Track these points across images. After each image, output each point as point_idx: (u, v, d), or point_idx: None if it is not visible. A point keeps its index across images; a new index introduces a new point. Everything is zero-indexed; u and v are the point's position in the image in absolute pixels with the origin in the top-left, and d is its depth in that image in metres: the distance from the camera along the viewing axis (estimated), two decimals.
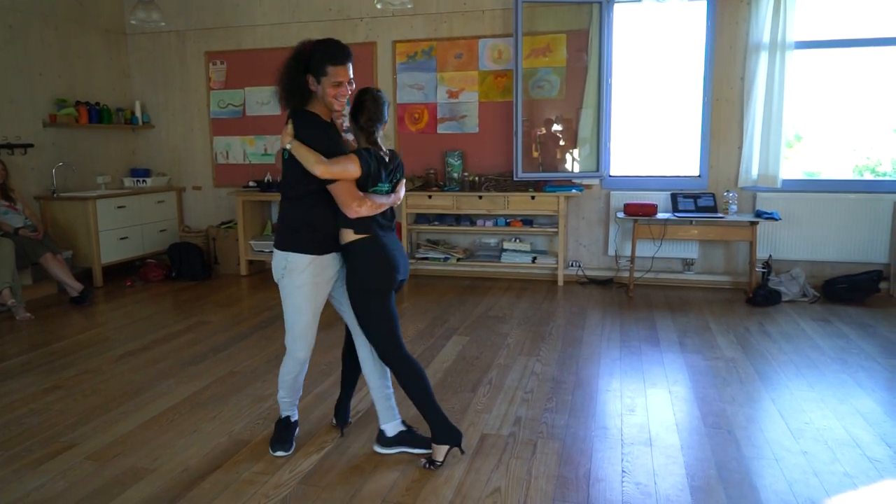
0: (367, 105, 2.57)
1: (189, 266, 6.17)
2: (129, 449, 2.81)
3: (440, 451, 2.62)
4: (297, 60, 2.48)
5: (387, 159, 2.59)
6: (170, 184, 6.88)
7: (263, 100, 6.52)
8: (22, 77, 5.69)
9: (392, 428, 2.73)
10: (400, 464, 2.65)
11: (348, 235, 2.56)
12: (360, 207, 2.48)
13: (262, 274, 6.43)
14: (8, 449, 2.81)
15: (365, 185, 2.53)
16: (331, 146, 2.48)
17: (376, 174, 2.54)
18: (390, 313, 2.59)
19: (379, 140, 2.59)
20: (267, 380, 3.58)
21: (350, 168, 2.46)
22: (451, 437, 2.61)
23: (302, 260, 2.54)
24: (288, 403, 2.82)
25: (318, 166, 2.41)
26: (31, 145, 5.78)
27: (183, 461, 2.70)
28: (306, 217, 2.54)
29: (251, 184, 6.37)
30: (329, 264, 2.60)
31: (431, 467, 2.61)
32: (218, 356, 3.99)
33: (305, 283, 2.57)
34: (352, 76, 2.52)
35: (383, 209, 2.58)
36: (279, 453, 2.74)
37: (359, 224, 2.53)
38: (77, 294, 5.23)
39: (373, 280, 2.57)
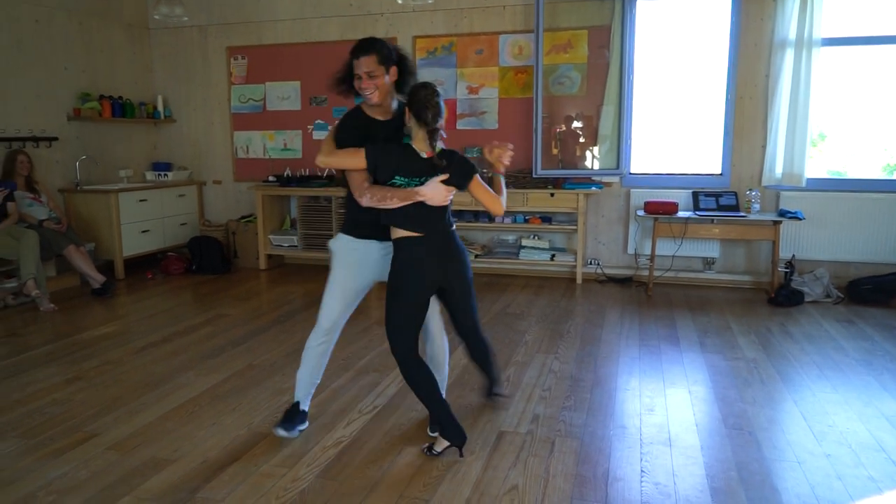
0: (409, 102, 2.57)
1: (209, 259, 6.22)
2: (150, 439, 2.84)
3: (441, 443, 2.67)
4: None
5: (423, 156, 2.54)
6: (191, 178, 6.94)
7: (284, 94, 6.55)
8: (47, 71, 5.76)
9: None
10: (418, 459, 2.65)
11: (393, 233, 2.62)
12: (361, 197, 2.55)
13: (280, 268, 6.47)
14: (31, 438, 2.86)
15: (376, 177, 2.56)
16: (345, 138, 2.58)
17: (388, 169, 2.53)
18: (409, 315, 2.62)
19: (418, 137, 2.54)
20: (286, 373, 3.60)
21: (348, 160, 2.54)
22: (455, 437, 2.64)
23: (341, 239, 2.76)
24: (304, 385, 2.85)
25: (318, 156, 2.60)
26: (56, 138, 5.86)
27: (202, 452, 2.72)
28: (349, 202, 2.72)
29: (271, 178, 6.40)
30: (363, 250, 2.70)
31: (429, 454, 2.67)
32: (237, 349, 4.02)
33: (339, 260, 2.75)
34: (368, 70, 2.54)
35: (397, 204, 2.53)
36: (279, 432, 2.79)
37: (392, 221, 2.59)
38: (99, 286, 5.30)
39: (393, 279, 2.61)
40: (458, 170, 2.59)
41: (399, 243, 2.60)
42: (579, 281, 5.73)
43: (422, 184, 2.54)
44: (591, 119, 5.74)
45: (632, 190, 5.72)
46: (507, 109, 5.96)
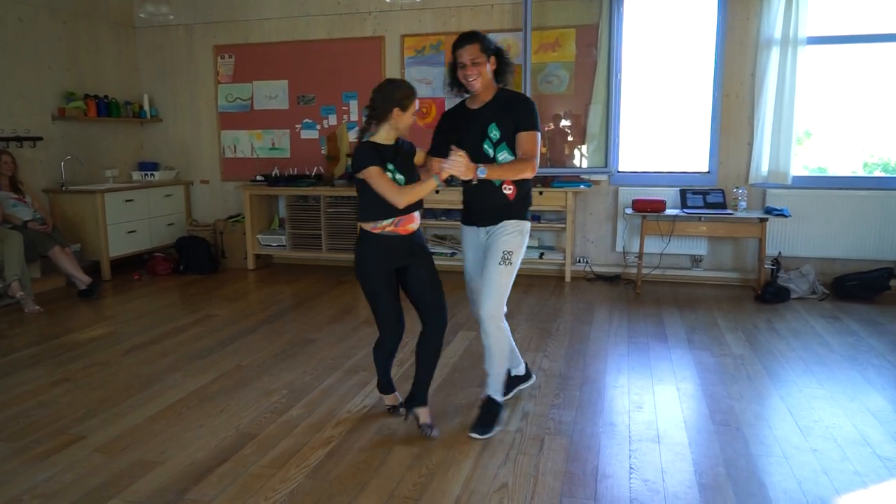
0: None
1: (196, 260, 6.18)
2: (137, 441, 2.82)
3: (423, 414, 2.87)
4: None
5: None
6: (177, 177, 6.90)
7: (271, 94, 6.52)
8: (31, 70, 5.70)
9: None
10: (408, 458, 2.65)
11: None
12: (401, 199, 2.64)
13: (269, 268, 6.45)
14: (16, 441, 2.83)
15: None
16: (435, 137, 2.94)
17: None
18: (375, 303, 2.82)
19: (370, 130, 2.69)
20: (273, 374, 3.59)
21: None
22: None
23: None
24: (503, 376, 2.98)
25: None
26: (41, 138, 5.80)
27: (191, 454, 2.70)
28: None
29: (259, 178, 6.37)
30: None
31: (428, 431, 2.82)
32: (225, 350, 4.00)
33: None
34: (472, 58, 2.72)
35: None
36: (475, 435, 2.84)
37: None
38: (85, 287, 5.25)
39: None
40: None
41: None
42: (568, 279, 5.75)
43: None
44: (580, 117, 5.76)
45: (620, 188, 5.74)
46: None
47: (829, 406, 3.11)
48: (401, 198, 2.61)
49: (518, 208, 2.85)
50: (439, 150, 2.79)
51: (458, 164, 2.57)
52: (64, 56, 6.01)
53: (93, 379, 3.53)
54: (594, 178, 5.78)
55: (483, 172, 2.63)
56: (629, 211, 5.41)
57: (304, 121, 6.47)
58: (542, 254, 5.80)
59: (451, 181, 2.67)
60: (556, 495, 2.37)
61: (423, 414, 2.87)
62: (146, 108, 6.77)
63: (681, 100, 5.79)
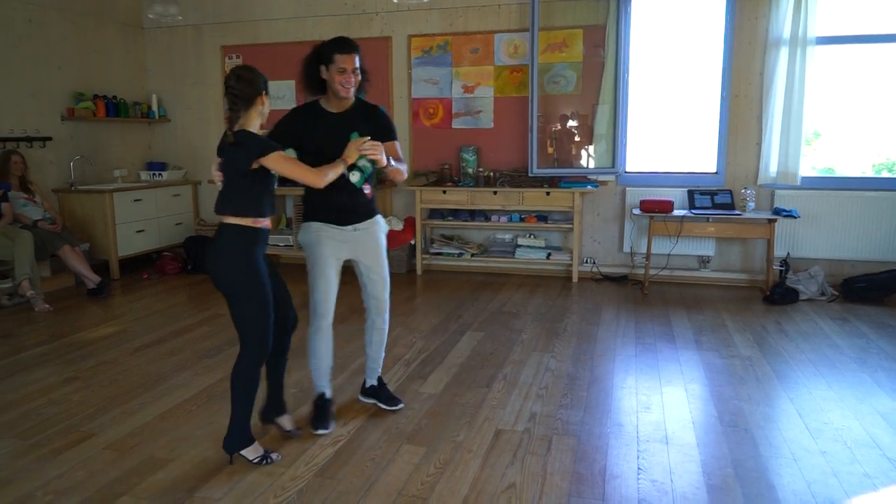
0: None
1: (204, 259, 6.16)
2: (147, 439, 2.84)
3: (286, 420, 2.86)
4: (314, 54, 2.85)
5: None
6: (185, 177, 6.92)
7: (279, 94, 6.53)
8: (41, 71, 5.74)
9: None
10: (415, 457, 2.65)
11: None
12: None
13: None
14: (27, 438, 2.85)
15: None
16: (281, 133, 2.87)
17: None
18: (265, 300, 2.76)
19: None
20: None
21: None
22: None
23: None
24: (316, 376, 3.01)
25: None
26: (50, 138, 5.83)
27: (200, 452, 2.71)
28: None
29: None
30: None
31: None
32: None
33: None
34: (356, 67, 2.78)
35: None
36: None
37: None
38: (94, 286, 5.28)
39: None
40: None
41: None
42: (575, 279, 5.75)
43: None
44: (587, 118, 5.76)
45: (627, 188, 5.74)
46: (502, 108, 5.97)
47: (838, 408, 3.10)
48: (320, 177, 2.59)
49: (373, 205, 2.99)
50: (283, 142, 2.72)
51: (378, 148, 2.64)
52: (73, 56, 6.05)
53: (102, 377, 3.55)
54: (601, 178, 5.78)
55: (390, 167, 2.75)
56: (637, 211, 5.40)
57: None
58: (549, 254, 5.80)
59: (350, 169, 2.70)
60: (564, 495, 2.37)
61: (287, 421, 2.89)
62: (154, 108, 6.80)
63: (689, 100, 5.79)
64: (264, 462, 2.61)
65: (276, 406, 2.86)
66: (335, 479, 2.51)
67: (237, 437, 2.60)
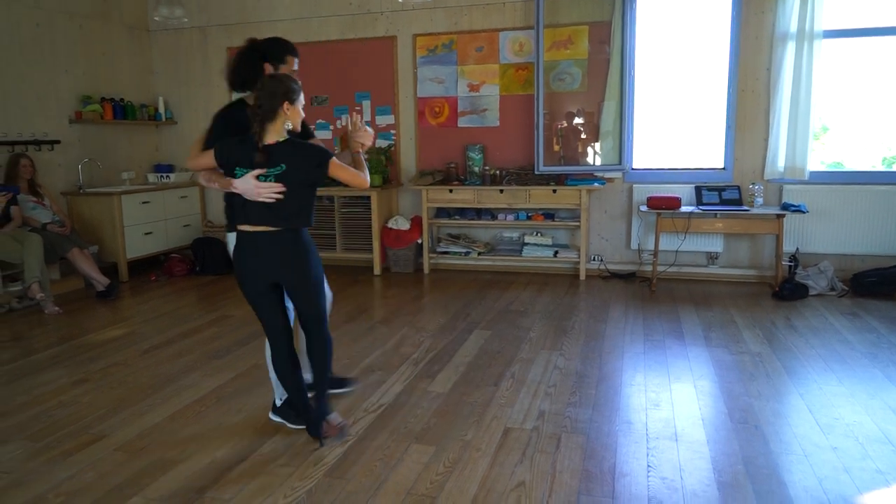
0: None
1: (212, 260, 6.23)
2: (157, 441, 2.85)
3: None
4: (255, 50, 2.80)
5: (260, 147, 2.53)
6: (192, 179, 6.94)
7: None
8: (48, 74, 5.77)
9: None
10: (424, 456, 2.65)
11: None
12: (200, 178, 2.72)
13: None
14: (38, 440, 2.86)
15: (225, 172, 2.62)
16: (221, 136, 2.69)
17: (231, 161, 2.57)
18: (260, 315, 2.72)
19: (262, 128, 2.53)
20: None
21: (205, 160, 2.66)
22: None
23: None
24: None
25: (187, 161, 2.77)
26: (58, 141, 5.87)
27: (210, 453, 2.72)
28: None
29: None
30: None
31: None
32: (242, 349, 4.03)
33: None
34: (297, 69, 2.86)
35: (217, 188, 2.66)
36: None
37: (234, 214, 2.67)
38: (103, 288, 5.31)
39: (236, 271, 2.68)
40: (302, 162, 2.51)
41: (237, 236, 2.65)
42: (583, 277, 5.73)
43: (264, 176, 2.53)
44: (593, 115, 5.74)
45: (634, 185, 5.71)
46: (508, 106, 5.96)
47: (849, 404, 3.07)
48: (367, 177, 2.69)
49: None
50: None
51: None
52: (80, 60, 6.08)
53: (112, 379, 3.57)
54: (608, 175, 5.76)
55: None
56: (644, 208, 5.38)
57: (318, 121, 6.49)
58: (556, 252, 5.78)
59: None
60: (574, 493, 2.37)
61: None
62: (161, 110, 6.83)
63: (695, 95, 5.76)
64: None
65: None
66: (344, 478, 2.51)
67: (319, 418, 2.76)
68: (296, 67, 2.87)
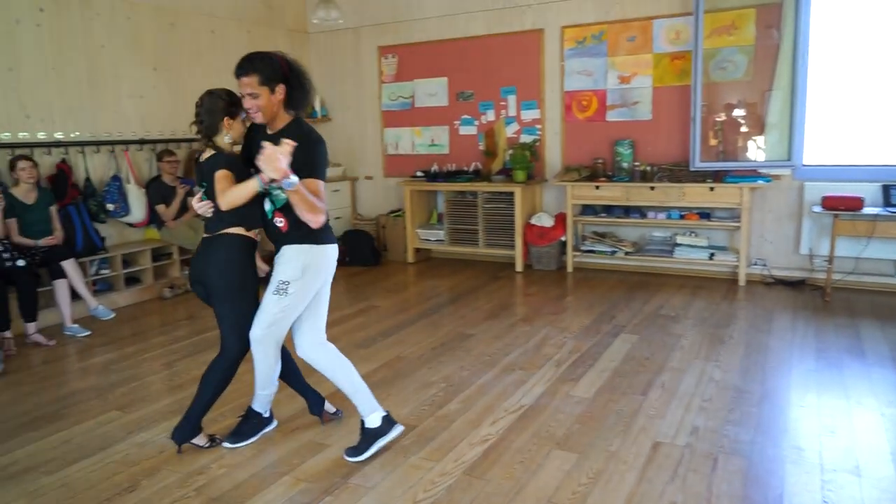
0: None
1: (360, 252, 6.48)
2: (308, 423, 2.98)
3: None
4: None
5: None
6: (344, 174, 7.28)
7: (431, 91, 6.65)
8: (220, 77, 6.23)
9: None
10: (566, 464, 2.55)
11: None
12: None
13: (427, 262, 6.60)
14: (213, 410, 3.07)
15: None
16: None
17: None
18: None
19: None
20: (432, 367, 3.64)
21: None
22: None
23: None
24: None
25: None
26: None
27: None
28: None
29: (418, 174, 6.54)
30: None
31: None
32: (387, 340, 4.13)
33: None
34: (250, 91, 2.53)
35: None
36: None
37: None
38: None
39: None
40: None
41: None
42: (742, 282, 5.28)
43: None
44: (756, 106, 5.25)
45: (806, 183, 5.15)
46: (661, 98, 5.62)
47: None
48: (222, 197, 2.52)
49: (294, 236, 2.60)
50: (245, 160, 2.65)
51: (266, 156, 2.31)
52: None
53: None
54: (774, 172, 5.24)
55: (291, 185, 2.34)
56: (817, 209, 4.83)
57: (463, 117, 6.53)
58: (712, 254, 5.37)
59: (264, 196, 2.59)
60: None
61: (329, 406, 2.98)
62: (317, 108, 7.21)
63: (881, 83, 5.07)
64: (213, 444, 2.78)
65: (317, 399, 2.97)
66: (483, 479, 2.47)
67: (188, 430, 2.74)
68: (243, 90, 2.55)
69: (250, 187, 2.45)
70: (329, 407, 3.01)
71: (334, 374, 2.74)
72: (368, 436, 2.68)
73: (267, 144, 2.34)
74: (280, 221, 2.59)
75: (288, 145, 2.34)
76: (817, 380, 3.30)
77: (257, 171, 2.41)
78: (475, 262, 6.47)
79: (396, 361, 3.75)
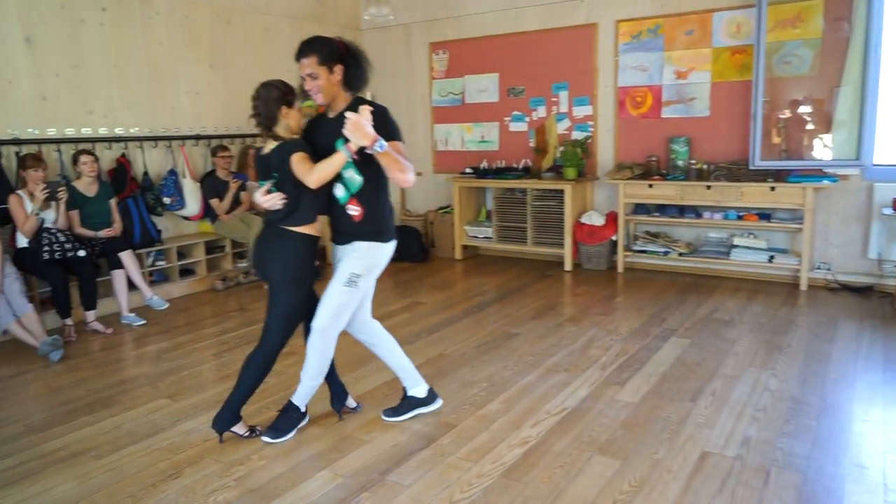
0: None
1: (408, 248, 6.49)
2: (347, 419, 2.99)
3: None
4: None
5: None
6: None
7: (482, 87, 6.60)
8: (274, 73, 6.33)
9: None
10: (608, 470, 2.47)
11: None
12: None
13: (475, 259, 6.56)
14: (249, 405, 3.12)
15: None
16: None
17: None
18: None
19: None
20: (475, 365, 3.60)
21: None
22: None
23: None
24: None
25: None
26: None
27: (393, 437, 2.79)
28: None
29: (467, 170, 6.50)
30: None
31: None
32: (430, 337, 4.11)
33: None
34: (309, 72, 2.65)
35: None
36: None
37: None
38: None
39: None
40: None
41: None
42: (804, 287, 5.03)
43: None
44: (823, 102, 4.99)
45: (876, 184, 4.87)
46: (719, 94, 5.41)
47: None
48: (311, 175, 2.55)
49: (367, 231, 2.65)
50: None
51: (352, 124, 2.40)
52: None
53: None
54: (841, 172, 4.98)
55: (383, 147, 2.45)
56: (888, 211, 4.56)
57: (514, 113, 6.45)
58: (771, 257, 5.14)
59: (335, 181, 2.63)
60: None
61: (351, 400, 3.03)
62: None
63: None
64: (253, 435, 2.80)
65: (341, 393, 2.99)
66: (522, 482, 2.42)
67: (227, 419, 2.76)
68: (302, 71, 2.69)
69: (339, 159, 2.51)
70: (350, 402, 3.04)
71: (382, 349, 2.93)
72: (411, 402, 2.94)
73: (350, 114, 2.43)
74: (355, 210, 2.63)
75: (366, 109, 2.46)
76: (884, 393, 3.11)
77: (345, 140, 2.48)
78: (523, 260, 6.39)
79: (439, 359, 3.72)
